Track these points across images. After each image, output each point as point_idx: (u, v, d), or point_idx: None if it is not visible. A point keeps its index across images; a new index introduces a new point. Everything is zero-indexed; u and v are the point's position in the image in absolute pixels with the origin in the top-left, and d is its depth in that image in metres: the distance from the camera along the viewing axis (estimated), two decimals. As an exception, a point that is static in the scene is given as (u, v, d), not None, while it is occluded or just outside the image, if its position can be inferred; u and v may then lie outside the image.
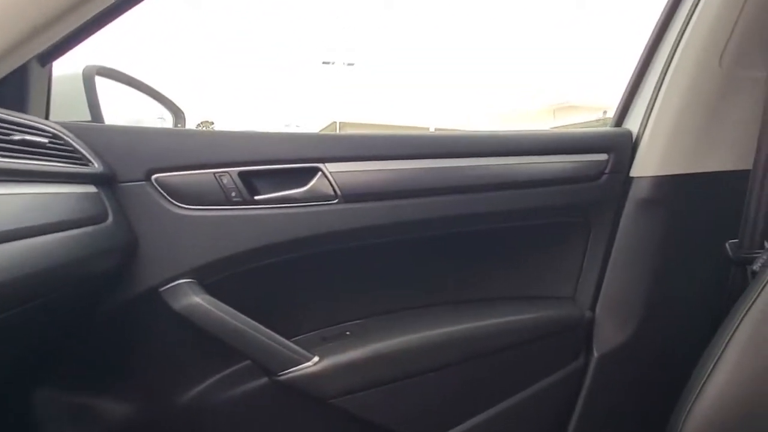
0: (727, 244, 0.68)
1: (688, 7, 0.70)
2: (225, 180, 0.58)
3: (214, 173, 0.58)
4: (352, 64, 14.71)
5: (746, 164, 0.69)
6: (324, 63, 14.70)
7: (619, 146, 0.73)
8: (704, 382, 0.56)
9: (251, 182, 0.60)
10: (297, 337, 0.67)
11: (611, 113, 0.83)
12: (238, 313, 0.58)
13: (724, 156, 0.71)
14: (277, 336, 0.61)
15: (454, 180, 0.67)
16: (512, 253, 0.77)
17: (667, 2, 0.74)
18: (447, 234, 0.71)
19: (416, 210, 0.65)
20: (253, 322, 0.59)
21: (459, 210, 0.68)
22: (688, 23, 0.70)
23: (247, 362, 0.64)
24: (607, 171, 0.73)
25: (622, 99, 0.80)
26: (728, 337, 0.56)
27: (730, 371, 0.55)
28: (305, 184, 0.61)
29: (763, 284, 0.56)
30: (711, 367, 0.56)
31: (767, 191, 0.67)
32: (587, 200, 0.74)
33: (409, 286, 0.74)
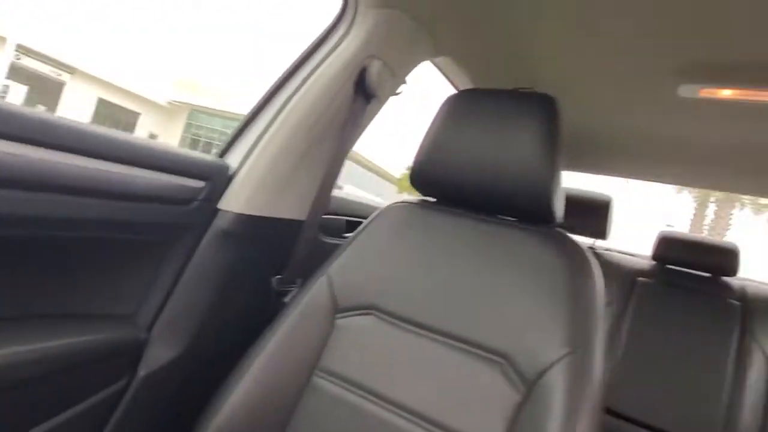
0: (273, 279, 0.85)
1: (311, 68, 0.83)
2: None
3: None
4: None
5: (304, 215, 0.88)
6: None
7: (216, 177, 0.77)
8: (228, 397, 0.66)
9: None
10: None
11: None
12: None
13: (293, 205, 0.87)
14: None
15: (26, 173, 0.52)
16: (85, 266, 0.66)
17: (299, 54, 0.85)
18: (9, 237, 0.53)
19: None
20: None
21: (25, 210, 0.53)
22: (304, 82, 0.83)
23: None
24: (199, 198, 0.75)
25: (233, 131, 0.86)
26: (255, 357, 0.69)
27: (247, 388, 0.66)
28: None
29: (289, 312, 0.72)
30: (235, 383, 0.67)
31: (308, 240, 0.88)
32: (173, 223, 0.73)
33: None
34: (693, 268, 1.61)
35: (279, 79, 0.85)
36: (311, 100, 0.82)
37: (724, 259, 1.53)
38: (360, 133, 0.94)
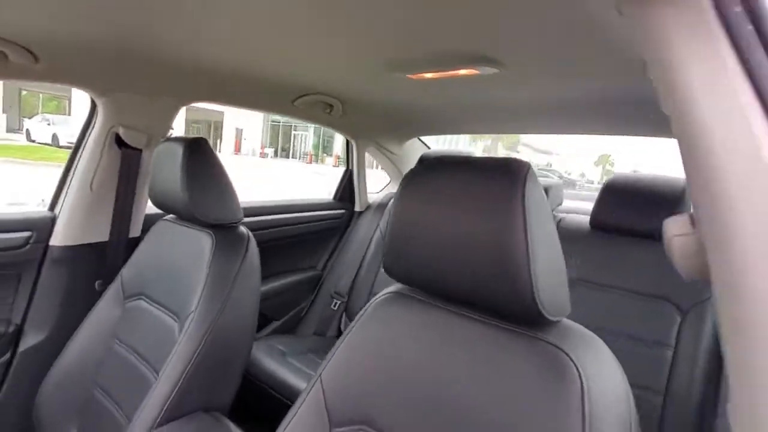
0: (96, 283, 1.28)
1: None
2: None
3: None
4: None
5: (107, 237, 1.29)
6: None
7: (39, 226, 1.21)
8: None
9: None
10: None
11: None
12: None
13: (103, 230, 1.29)
14: None
15: None
16: None
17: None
18: None
19: None
20: None
21: None
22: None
23: None
24: (30, 242, 1.20)
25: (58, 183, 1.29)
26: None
27: None
28: None
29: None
30: None
31: (118, 258, 1.28)
32: (17, 260, 1.19)
33: None
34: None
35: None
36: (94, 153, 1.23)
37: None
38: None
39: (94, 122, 1.25)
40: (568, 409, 0.51)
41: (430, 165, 0.65)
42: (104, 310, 1.15)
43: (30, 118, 16.76)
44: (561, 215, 1.59)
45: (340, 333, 1.86)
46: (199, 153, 1.07)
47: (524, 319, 0.58)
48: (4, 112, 17.44)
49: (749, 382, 0.31)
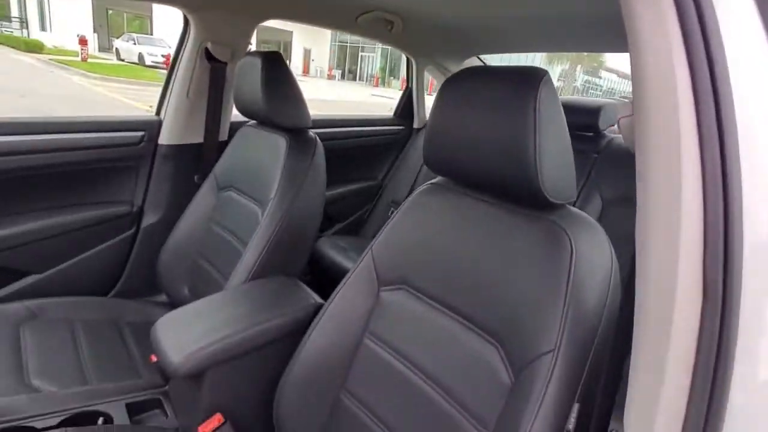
0: (194, 176, 1.55)
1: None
2: None
3: None
4: None
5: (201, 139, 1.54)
6: None
7: (150, 127, 1.48)
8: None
9: None
10: None
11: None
12: None
13: (195, 134, 1.54)
14: None
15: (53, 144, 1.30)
16: (90, 179, 1.46)
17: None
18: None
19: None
20: None
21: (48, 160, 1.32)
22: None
23: None
24: (144, 140, 1.47)
25: (161, 92, 1.53)
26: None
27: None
28: None
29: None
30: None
31: (211, 156, 1.53)
32: (136, 154, 1.48)
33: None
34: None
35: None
36: (189, 66, 1.44)
37: (589, 118, 1.63)
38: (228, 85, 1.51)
39: (187, 38, 1.45)
40: (558, 271, 0.63)
41: (466, 72, 0.75)
42: (202, 199, 1.42)
43: (118, 37, 17.83)
44: (612, 136, 1.61)
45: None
46: (275, 65, 1.24)
47: (532, 202, 0.70)
48: (95, 31, 18.64)
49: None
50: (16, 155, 1.24)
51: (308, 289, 1.09)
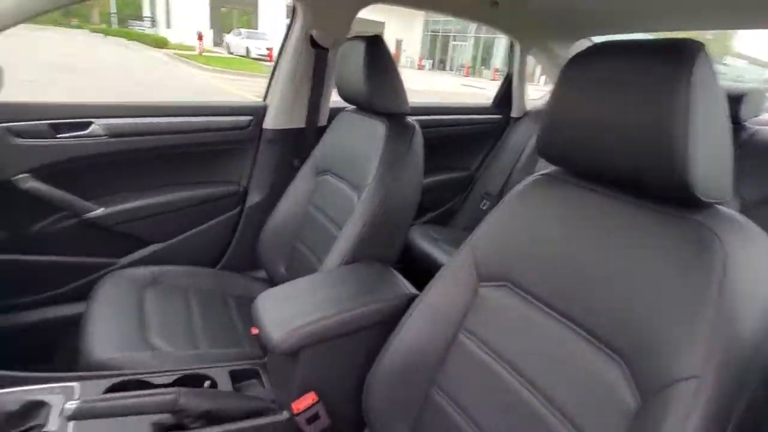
0: (294, 160, 1.60)
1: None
2: None
3: None
4: None
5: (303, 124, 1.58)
6: None
7: (257, 112, 1.56)
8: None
9: None
10: None
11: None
12: None
13: (300, 118, 1.59)
14: None
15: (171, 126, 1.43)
16: (205, 161, 1.58)
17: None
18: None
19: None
20: None
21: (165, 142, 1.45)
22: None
23: None
24: (251, 125, 1.56)
25: (269, 79, 1.61)
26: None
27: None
28: None
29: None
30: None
31: (311, 141, 1.57)
32: (243, 138, 1.57)
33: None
34: None
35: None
36: (295, 52, 1.49)
37: (729, 106, 1.36)
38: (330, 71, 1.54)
39: (294, 26, 1.50)
40: (706, 281, 0.52)
41: (595, 49, 0.66)
42: (301, 182, 1.47)
43: (228, 32, 19.46)
44: (755, 128, 1.37)
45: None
46: (377, 48, 1.22)
47: (674, 198, 0.60)
48: (211, 27, 20.53)
49: None
50: (146, 135, 1.38)
51: (402, 279, 1.07)
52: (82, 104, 1.31)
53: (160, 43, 16.80)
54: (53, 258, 1.35)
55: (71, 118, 1.28)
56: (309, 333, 0.87)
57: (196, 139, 1.49)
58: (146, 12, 23.88)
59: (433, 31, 23.87)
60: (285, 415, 0.88)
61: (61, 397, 0.78)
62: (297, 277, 1.07)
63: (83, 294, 1.26)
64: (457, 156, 2.16)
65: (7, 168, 1.23)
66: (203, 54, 15.08)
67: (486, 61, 23.39)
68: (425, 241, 1.72)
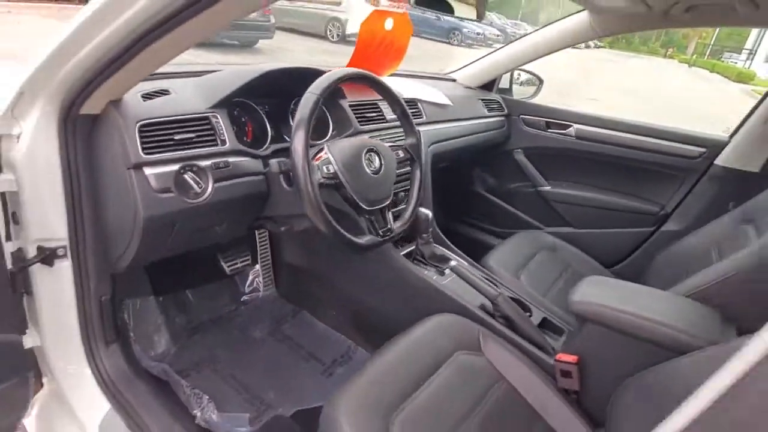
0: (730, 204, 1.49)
1: None
2: None
3: None
4: None
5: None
6: None
7: (713, 146, 1.56)
8: None
9: None
10: None
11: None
12: None
13: (757, 161, 1.45)
14: None
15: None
16: (638, 176, 1.75)
17: None
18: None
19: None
20: None
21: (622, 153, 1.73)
22: None
23: None
24: (702, 157, 1.59)
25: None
26: None
27: None
28: None
29: None
30: None
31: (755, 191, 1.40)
32: (689, 167, 1.63)
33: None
34: None
35: None
36: None
37: None
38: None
39: None
40: None
41: None
42: (717, 224, 1.40)
43: None
44: None
45: None
46: None
47: None
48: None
49: None
50: (605, 144, 1.76)
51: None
52: (568, 111, 1.85)
53: (744, 78, 15.21)
54: (510, 208, 2.04)
55: (560, 120, 1.85)
56: (595, 312, 1.03)
57: (641, 156, 1.71)
58: (749, 44, 21.79)
59: None
60: (550, 360, 1.12)
61: None
62: None
63: (503, 236, 1.81)
64: None
65: (514, 142, 1.97)
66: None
67: None
68: None
